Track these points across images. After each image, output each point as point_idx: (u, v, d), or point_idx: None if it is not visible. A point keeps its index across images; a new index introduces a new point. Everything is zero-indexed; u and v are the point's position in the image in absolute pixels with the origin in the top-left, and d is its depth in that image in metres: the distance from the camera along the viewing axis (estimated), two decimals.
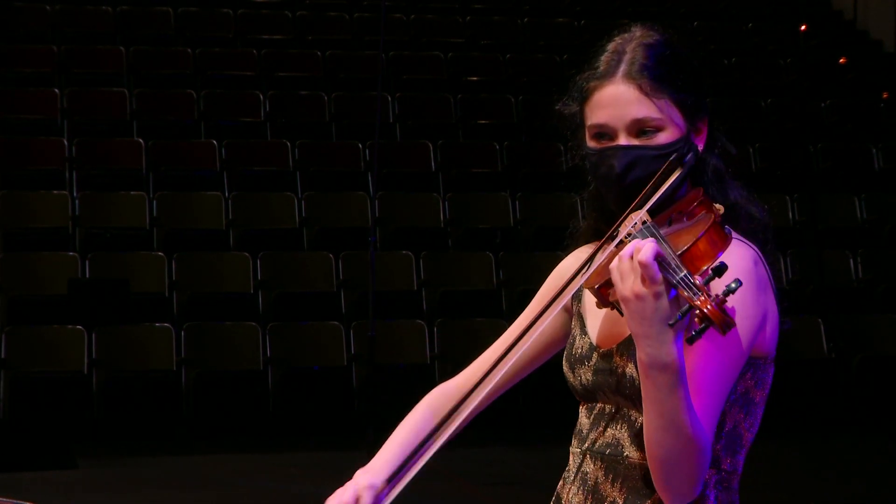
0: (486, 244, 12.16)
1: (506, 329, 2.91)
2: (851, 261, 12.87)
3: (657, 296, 2.38)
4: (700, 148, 2.69)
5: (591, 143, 2.69)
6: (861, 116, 15.12)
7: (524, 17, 15.90)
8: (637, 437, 2.63)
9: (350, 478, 2.93)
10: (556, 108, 2.78)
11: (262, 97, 13.73)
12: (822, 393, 11.51)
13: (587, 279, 2.61)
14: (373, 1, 15.25)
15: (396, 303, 11.42)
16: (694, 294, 2.34)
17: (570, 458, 2.77)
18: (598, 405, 2.71)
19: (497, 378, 2.67)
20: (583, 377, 2.72)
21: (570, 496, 2.74)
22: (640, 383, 2.56)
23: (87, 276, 11.37)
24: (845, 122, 14.94)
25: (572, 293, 2.72)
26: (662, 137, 2.61)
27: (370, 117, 12.26)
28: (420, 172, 13.19)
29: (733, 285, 2.33)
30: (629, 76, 2.64)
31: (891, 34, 17.01)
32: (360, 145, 13.26)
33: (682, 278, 2.36)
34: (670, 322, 2.37)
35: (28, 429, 10.19)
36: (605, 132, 2.65)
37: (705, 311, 2.32)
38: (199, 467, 9.89)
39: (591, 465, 2.70)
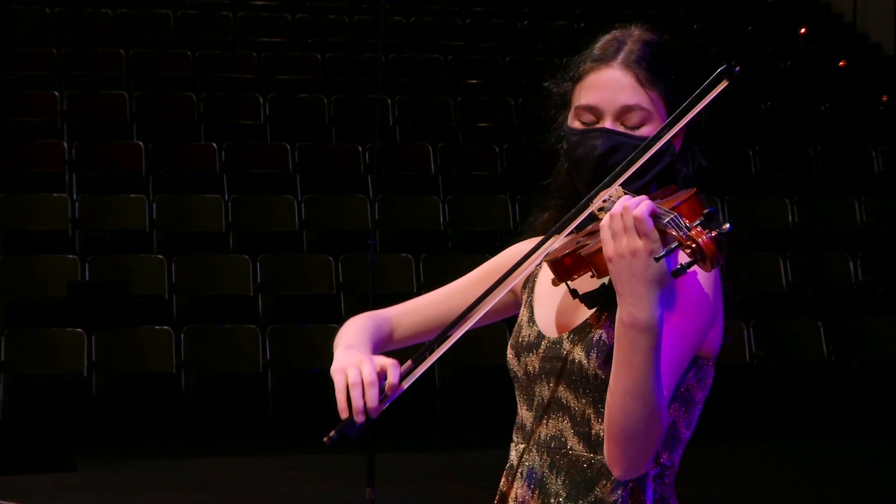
0: (485, 246, 12.14)
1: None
2: (851, 264, 12.87)
3: (651, 252, 2.38)
4: (675, 145, 2.71)
5: (574, 124, 2.70)
6: (861, 119, 15.12)
7: (524, 19, 15.90)
8: (578, 428, 2.63)
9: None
10: (546, 84, 2.80)
11: (261, 100, 13.74)
12: (822, 396, 11.51)
13: (549, 253, 2.59)
14: (372, 4, 15.25)
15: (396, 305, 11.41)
16: (683, 231, 2.34)
17: (512, 452, 2.75)
18: (537, 396, 2.69)
19: (448, 345, 2.64)
20: (528, 365, 2.70)
21: (516, 491, 2.72)
22: (587, 369, 2.59)
23: (87, 278, 11.37)
24: (845, 125, 14.94)
25: (524, 278, 2.74)
26: (646, 130, 2.64)
27: (370, 120, 12.27)
28: (420, 175, 13.20)
29: (726, 227, 2.33)
30: (627, 64, 2.68)
31: (890, 37, 17.02)
32: (360, 148, 13.26)
33: (672, 219, 2.36)
34: (657, 256, 2.36)
35: (27, 431, 10.19)
36: (592, 114, 2.67)
37: (699, 241, 2.31)
38: (199, 470, 9.89)
39: (537, 459, 2.68)
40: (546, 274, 2.72)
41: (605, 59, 2.69)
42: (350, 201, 12.61)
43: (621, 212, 2.40)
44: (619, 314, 2.42)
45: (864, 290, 12.68)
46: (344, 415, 2.52)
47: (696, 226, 2.34)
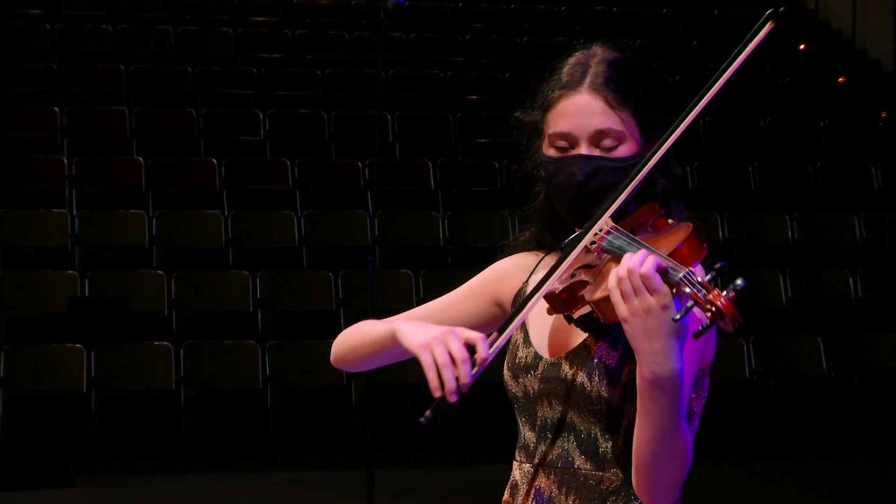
0: (485, 262, 12.11)
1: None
2: (851, 280, 12.87)
3: (664, 308, 2.39)
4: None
5: (549, 152, 2.72)
6: (860, 135, 15.13)
7: (523, 35, 15.93)
8: (584, 447, 2.64)
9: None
10: (516, 115, 2.83)
11: (261, 115, 13.75)
12: (822, 412, 11.50)
13: (543, 283, 2.60)
14: (372, 20, 15.27)
15: None
16: (699, 290, 2.34)
17: (517, 471, 2.76)
18: (539, 416, 2.70)
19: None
20: (527, 386, 2.71)
21: None
22: (591, 391, 2.60)
23: (87, 294, 11.37)
24: (844, 141, 14.95)
25: (514, 299, 2.77)
26: (622, 150, 2.65)
27: (369, 136, 12.29)
28: (419, 191, 13.20)
29: (739, 282, 2.33)
30: (595, 87, 2.69)
31: (889, 53, 17.04)
32: (360, 164, 13.27)
33: (684, 276, 2.36)
34: (674, 317, 2.36)
35: (26, 447, 10.17)
36: (566, 140, 2.68)
37: (718, 304, 2.31)
38: (198, 486, 9.87)
39: (544, 480, 2.69)
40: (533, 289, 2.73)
41: (572, 85, 2.71)
42: (350, 217, 12.61)
43: (627, 274, 2.41)
44: (640, 370, 2.44)
45: (863, 306, 12.68)
46: (437, 394, 2.46)
47: (709, 282, 2.33)
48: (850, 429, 11.50)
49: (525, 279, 2.81)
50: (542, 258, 2.81)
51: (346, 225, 12.55)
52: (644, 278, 2.39)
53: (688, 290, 2.35)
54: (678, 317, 2.35)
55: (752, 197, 13.88)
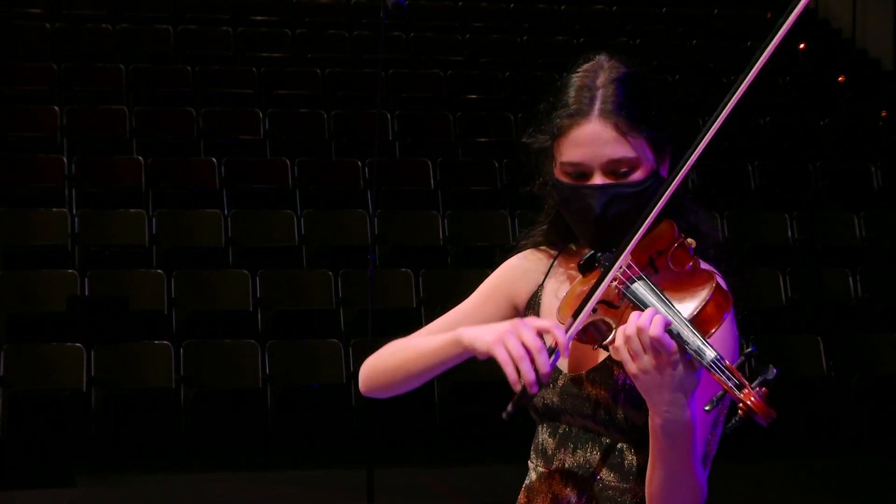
0: (485, 262, 12.08)
1: None
2: (851, 279, 12.87)
3: (674, 365, 2.37)
4: (664, 174, 2.68)
5: (562, 178, 2.67)
6: (860, 135, 15.13)
7: (523, 35, 15.92)
8: (609, 460, 2.63)
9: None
10: (524, 140, 2.76)
11: (261, 115, 13.75)
12: (821, 412, 11.49)
13: (560, 308, 2.58)
14: (372, 19, 15.26)
15: (396, 320, 11.36)
16: (729, 379, 2.31)
17: (533, 474, 2.74)
18: (563, 426, 2.69)
19: None
20: (546, 398, 2.69)
21: None
22: (615, 412, 2.59)
23: (87, 293, 11.36)
24: (844, 140, 14.94)
25: (528, 304, 2.74)
26: (636, 175, 2.61)
27: (369, 135, 12.28)
28: (419, 190, 13.20)
29: (770, 376, 2.32)
30: (605, 115, 2.63)
31: (889, 53, 17.03)
32: (360, 163, 13.26)
33: (713, 361, 2.33)
34: (706, 408, 2.35)
35: (26, 447, 10.17)
36: (579, 170, 2.63)
37: (750, 402, 2.30)
38: (198, 485, 9.87)
39: (562, 486, 2.68)
40: (550, 297, 2.71)
41: (581, 113, 2.64)
42: (349, 216, 12.61)
43: (636, 332, 2.38)
44: (653, 420, 2.43)
45: (863, 305, 12.67)
46: (517, 387, 2.43)
47: (739, 370, 2.31)
48: (850, 429, 11.50)
49: (540, 282, 2.77)
50: (554, 259, 2.77)
51: (345, 224, 12.55)
52: (654, 341, 2.37)
53: (717, 376, 2.32)
54: (709, 408, 2.35)
55: (751, 196, 13.87)
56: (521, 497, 2.77)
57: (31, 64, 13.96)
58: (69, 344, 10.78)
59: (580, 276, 2.61)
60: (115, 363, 10.79)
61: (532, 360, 2.41)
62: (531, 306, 2.78)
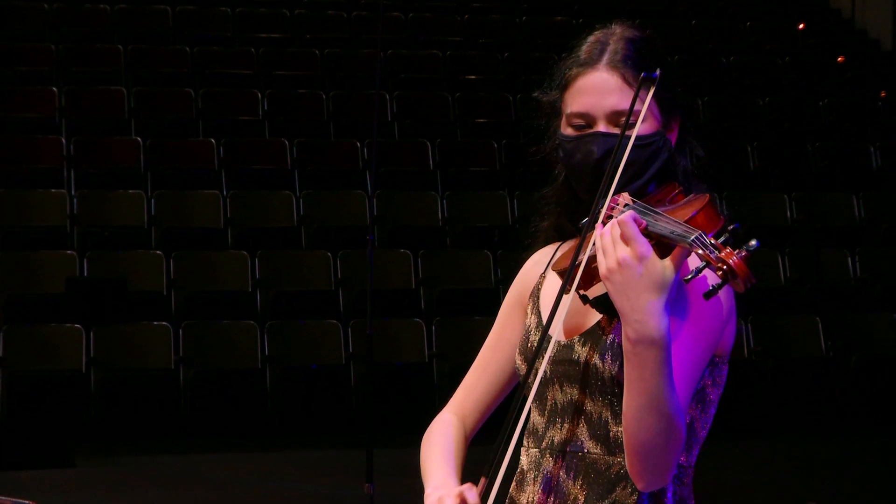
0: (484, 243, 12.16)
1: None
2: (849, 259, 12.88)
3: (640, 258, 2.35)
4: (672, 145, 2.68)
5: (567, 131, 2.67)
6: (859, 115, 15.12)
7: (522, 15, 15.90)
8: (594, 431, 2.60)
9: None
10: (535, 94, 2.76)
11: (260, 96, 13.73)
12: (820, 392, 11.51)
13: (555, 262, 2.59)
14: (371, 0, 15.24)
15: (395, 301, 11.42)
16: (711, 251, 2.29)
17: (524, 457, 2.72)
18: (550, 400, 2.67)
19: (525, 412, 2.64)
20: (539, 368, 2.66)
21: (528, 496, 2.70)
22: (603, 372, 2.56)
23: (86, 274, 11.37)
24: (843, 121, 14.94)
25: (531, 295, 2.74)
26: (641, 128, 2.59)
27: (368, 116, 12.28)
28: (418, 171, 13.19)
29: (753, 243, 2.29)
30: (612, 65, 2.64)
31: (889, 33, 17.01)
32: (359, 144, 13.26)
33: (696, 238, 2.31)
34: (685, 278, 2.33)
35: (26, 427, 10.19)
36: (584, 119, 2.64)
37: (730, 262, 2.27)
38: (197, 466, 9.89)
39: (551, 464, 2.65)
40: (551, 279, 2.70)
41: (590, 63, 2.66)
42: (348, 197, 12.60)
43: (609, 227, 2.39)
44: (624, 330, 2.39)
45: (862, 285, 12.69)
46: None
47: (722, 243, 2.30)
48: (849, 408, 11.52)
49: (542, 272, 2.77)
50: (558, 247, 2.76)
51: (344, 205, 12.54)
52: (620, 224, 2.37)
53: (700, 251, 2.30)
54: (689, 277, 2.31)
55: (750, 177, 13.87)
56: (512, 485, 2.75)
57: (30, 45, 13.94)
58: (68, 325, 10.79)
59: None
60: (114, 344, 10.80)
61: None
62: (533, 295, 2.77)
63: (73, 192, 12.25)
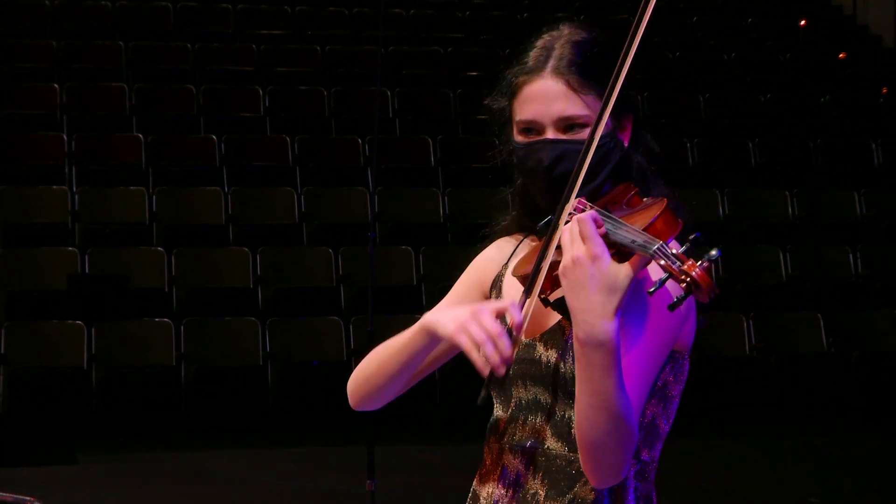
0: (485, 239, 12.14)
1: None
2: (851, 256, 12.87)
3: (594, 258, 2.38)
4: (625, 144, 2.69)
5: (518, 138, 2.72)
6: (860, 112, 15.12)
7: (523, 12, 15.89)
8: (557, 428, 2.62)
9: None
10: (485, 102, 2.83)
11: (261, 92, 13.73)
12: (822, 388, 11.51)
13: (515, 267, 2.62)
14: None
15: (396, 298, 11.42)
16: (673, 262, 2.31)
17: (487, 453, 2.75)
18: (514, 398, 2.69)
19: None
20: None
21: (489, 490, 2.72)
22: (564, 372, 2.59)
23: (87, 271, 11.37)
24: (845, 117, 14.93)
25: (492, 285, 2.76)
26: (588, 132, 2.59)
27: (369, 112, 12.27)
28: (419, 167, 13.19)
29: (714, 253, 2.31)
30: (557, 71, 2.66)
31: (890, 29, 17.00)
32: (360, 140, 13.26)
33: (657, 249, 2.34)
34: (649, 290, 2.34)
35: (27, 424, 10.19)
36: (532, 127, 2.68)
37: (693, 275, 2.29)
38: (199, 462, 9.89)
39: (512, 459, 2.68)
40: (512, 281, 2.71)
41: (536, 70, 2.69)
42: (350, 194, 12.61)
43: (573, 222, 2.42)
44: (574, 331, 2.42)
45: (863, 282, 12.69)
46: (485, 372, 2.47)
47: (684, 254, 2.31)
48: (850, 405, 11.52)
49: (504, 263, 2.80)
50: (520, 242, 2.80)
51: (346, 201, 12.55)
52: (578, 222, 2.40)
53: (663, 262, 2.32)
54: (652, 289, 2.33)
55: (752, 173, 13.86)
56: (475, 480, 2.78)
57: (31, 41, 13.95)
58: (69, 322, 10.79)
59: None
60: (115, 341, 10.81)
61: (495, 344, 2.44)
62: (494, 286, 2.80)
63: (74, 189, 12.26)
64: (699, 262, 2.30)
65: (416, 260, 11.93)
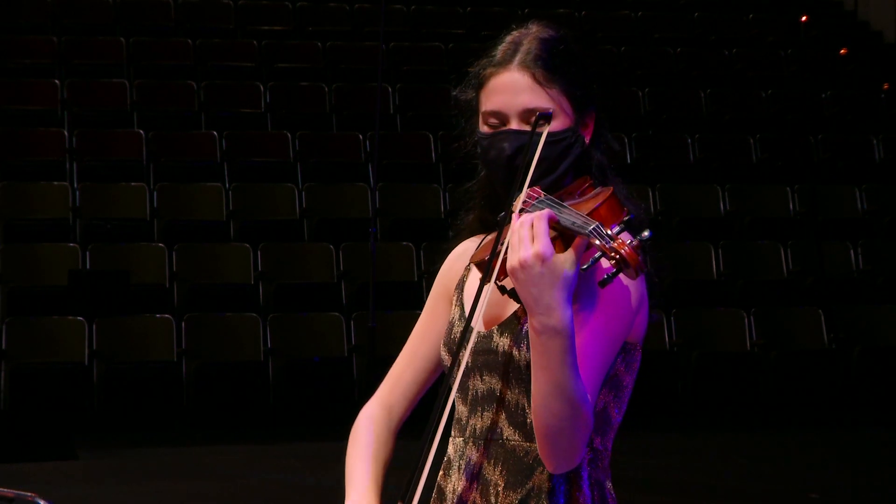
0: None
1: None
2: (852, 252, 12.88)
3: (542, 259, 2.44)
4: (586, 141, 2.76)
5: (483, 129, 2.80)
6: (861, 108, 15.11)
7: (524, 7, 15.88)
8: (514, 419, 2.68)
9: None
10: (454, 93, 2.93)
11: (262, 88, 13.73)
12: (823, 384, 11.52)
13: (474, 255, 2.70)
14: None
15: (397, 294, 11.43)
16: (607, 241, 2.40)
17: (451, 448, 2.81)
18: (472, 390, 2.75)
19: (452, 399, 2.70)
20: (462, 359, 2.74)
21: (453, 484, 2.78)
22: (518, 360, 2.65)
23: (88, 267, 11.38)
24: (846, 113, 14.93)
25: (457, 286, 2.83)
26: (552, 126, 2.69)
27: (370, 108, 12.25)
28: (420, 163, 13.20)
29: (646, 234, 2.40)
30: (524, 65, 2.76)
31: (891, 25, 17.00)
32: (361, 136, 13.26)
33: (593, 229, 2.43)
34: (583, 267, 2.42)
35: (28, 420, 10.19)
36: (498, 118, 2.75)
37: (622, 252, 2.38)
38: (200, 458, 9.90)
39: (474, 452, 2.74)
40: (475, 271, 2.77)
41: (503, 63, 2.80)
42: (351, 190, 12.61)
43: (518, 226, 2.49)
44: (530, 322, 2.48)
45: (864, 278, 12.69)
46: None
47: (617, 234, 2.41)
48: (851, 400, 11.52)
49: (467, 265, 2.86)
50: (483, 240, 2.84)
51: (347, 197, 12.55)
52: (535, 220, 2.46)
53: (597, 242, 2.41)
54: (586, 266, 2.41)
55: (753, 169, 13.86)
56: (440, 474, 2.84)
57: (32, 37, 13.95)
58: (71, 317, 10.80)
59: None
60: (116, 336, 10.81)
61: None
62: (458, 287, 2.86)
63: (75, 185, 12.26)
64: (629, 241, 2.38)
65: (417, 256, 11.93)
